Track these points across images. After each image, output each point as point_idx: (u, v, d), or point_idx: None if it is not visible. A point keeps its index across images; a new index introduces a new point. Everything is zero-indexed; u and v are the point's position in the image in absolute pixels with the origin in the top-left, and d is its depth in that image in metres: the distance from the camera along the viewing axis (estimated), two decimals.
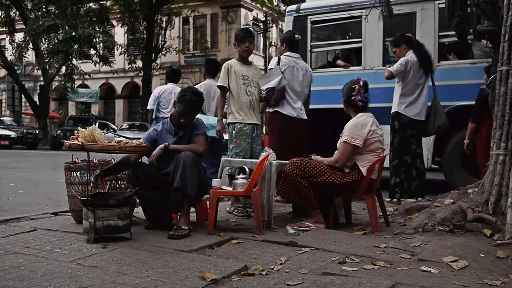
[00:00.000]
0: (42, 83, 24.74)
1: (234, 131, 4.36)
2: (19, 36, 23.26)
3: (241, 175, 3.73)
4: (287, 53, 4.61)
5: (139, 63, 24.11)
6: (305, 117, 4.62)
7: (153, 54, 23.84)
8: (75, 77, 23.79)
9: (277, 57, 4.69)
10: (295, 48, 4.66)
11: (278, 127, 4.56)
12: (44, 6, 21.43)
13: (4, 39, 29.85)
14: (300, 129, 4.58)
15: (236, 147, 4.34)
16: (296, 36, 4.69)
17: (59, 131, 21.96)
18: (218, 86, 4.53)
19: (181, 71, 7.42)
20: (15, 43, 23.04)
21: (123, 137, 3.87)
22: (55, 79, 24.43)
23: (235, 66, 4.45)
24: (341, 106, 3.89)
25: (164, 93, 6.39)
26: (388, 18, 5.31)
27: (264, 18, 26.72)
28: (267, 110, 4.72)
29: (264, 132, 4.77)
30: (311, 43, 6.53)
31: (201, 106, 3.73)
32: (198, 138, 3.58)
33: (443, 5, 5.02)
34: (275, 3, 22.60)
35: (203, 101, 3.73)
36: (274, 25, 28.94)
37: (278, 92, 4.46)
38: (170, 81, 6.64)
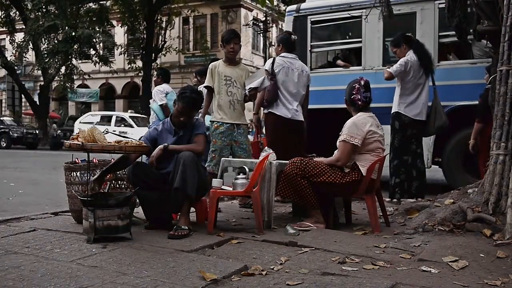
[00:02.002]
0: (42, 83, 24.74)
1: (211, 130, 4.61)
2: (19, 36, 23.26)
3: (241, 175, 3.73)
4: (283, 54, 4.62)
5: (139, 63, 24.11)
6: (301, 118, 4.61)
7: (153, 54, 23.84)
8: (75, 77, 23.79)
9: (272, 58, 4.72)
10: (291, 49, 4.67)
11: (273, 128, 4.58)
12: (44, 6, 21.43)
13: (4, 39, 29.87)
14: (296, 130, 4.57)
15: (212, 145, 4.57)
16: (293, 36, 4.71)
17: (59, 131, 21.98)
18: (204, 86, 4.75)
19: None
20: (15, 43, 23.04)
21: (123, 137, 3.89)
22: (55, 79, 24.42)
23: (219, 67, 4.65)
24: (342, 106, 3.90)
25: (168, 95, 6.31)
26: (388, 18, 5.30)
27: (264, 18, 26.73)
28: (264, 111, 4.74)
29: (263, 131, 4.84)
30: (311, 43, 6.53)
31: (201, 104, 3.76)
32: (197, 137, 3.59)
33: (443, 5, 5.02)
34: (275, 3, 22.62)
35: (202, 100, 3.77)
36: (274, 25, 28.94)
37: (270, 92, 4.48)
38: (165, 81, 6.61)
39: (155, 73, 6.87)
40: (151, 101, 6.59)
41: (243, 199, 4.66)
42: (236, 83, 4.61)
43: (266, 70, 4.60)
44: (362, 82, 3.72)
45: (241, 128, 4.64)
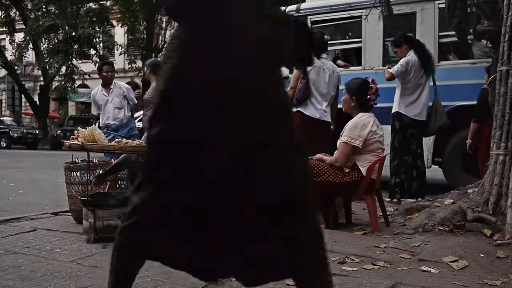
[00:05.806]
0: (42, 83, 24.74)
1: None
2: (19, 36, 23.24)
3: None
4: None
5: (139, 63, 24.11)
6: (329, 119, 4.53)
7: (153, 54, 23.84)
8: (75, 77, 23.79)
9: None
10: (323, 49, 4.63)
11: (299, 127, 4.49)
12: (44, 6, 21.43)
13: (4, 39, 29.86)
14: (323, 130, 4.47)
15: None
16: (325, 36, 4.66)
17: (59, 131, 21.99)
18: None
19: None
20: (15, 43, 23.04)
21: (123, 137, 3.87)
22: (55, 79, 24.43)
23: None
24: (341, 106, 3.87)
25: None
26: (388, 18, 5.30)
27: None
28: (293, 110, 4.69)
29: None
30: None
31: None
32: None
33: (443, 5, 5.01)
34: None
35: None
36: None
37: (301, 91, 4.41)
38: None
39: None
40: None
41: None
42: None
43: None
44: (375, 86, 3.70)
45: None
